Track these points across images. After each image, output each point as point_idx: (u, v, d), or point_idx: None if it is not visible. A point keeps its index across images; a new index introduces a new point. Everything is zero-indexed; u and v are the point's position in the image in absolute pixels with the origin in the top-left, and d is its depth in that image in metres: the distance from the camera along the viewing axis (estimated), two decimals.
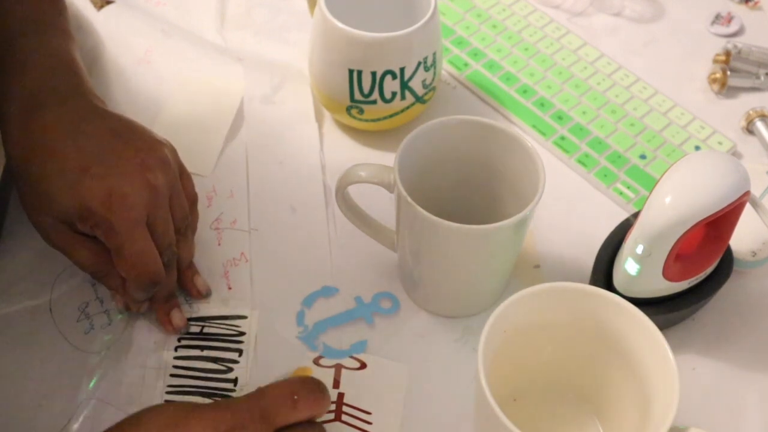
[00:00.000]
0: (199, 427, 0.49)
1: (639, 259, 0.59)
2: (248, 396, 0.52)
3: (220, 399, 0.58)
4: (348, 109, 0.72)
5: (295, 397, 0.52)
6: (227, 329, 0.62)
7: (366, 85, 0.69)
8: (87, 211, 0.56)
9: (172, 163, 0.60)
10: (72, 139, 0.58)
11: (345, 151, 0.74)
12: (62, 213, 0.57)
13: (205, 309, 0.64)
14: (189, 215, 0.62)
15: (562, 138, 0.76)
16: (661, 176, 0.59)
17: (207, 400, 0.58)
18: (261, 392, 0.52)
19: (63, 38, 0.64)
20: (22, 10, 0.64)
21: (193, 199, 0.63)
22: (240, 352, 0.61)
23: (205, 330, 0.62)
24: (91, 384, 0.59)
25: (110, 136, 0.58)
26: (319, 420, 0.55)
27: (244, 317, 0.63)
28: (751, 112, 0.78)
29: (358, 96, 0.70)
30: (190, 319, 0.63)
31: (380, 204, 0.65)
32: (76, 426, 0.57)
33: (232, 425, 0.50)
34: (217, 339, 0.62)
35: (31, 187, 0.58)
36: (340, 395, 0.60)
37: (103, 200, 0.56)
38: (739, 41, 0.83)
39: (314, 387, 0.53)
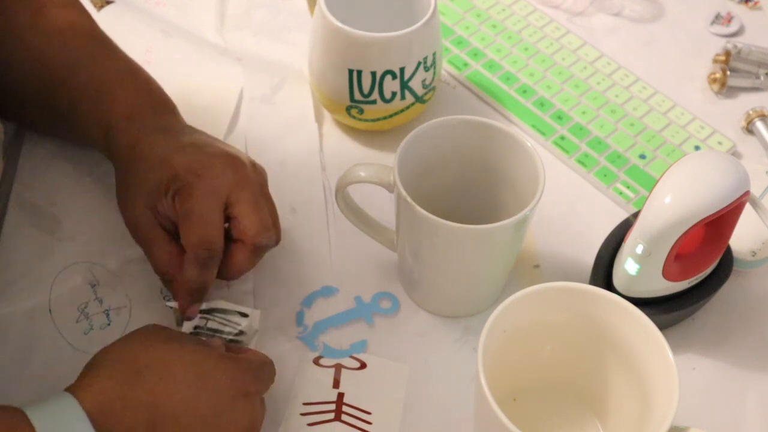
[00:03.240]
0: (224, 378, 0.53)
1: (639, 259, 0.59)
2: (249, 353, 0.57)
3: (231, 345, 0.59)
4: (348, 109, 0.72)
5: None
6: (227, 327, 0.62)
7: (366, 85, 0.69)
8: (173, 178, 0.59)
9: (261, 174, 0.63)
10: (178, 134, 0.63)
11: (345, 151, 0.74)
12: (153, 188, 0.60)
13: (205, 305, 0.63)
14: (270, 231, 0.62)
15: (562, 138, 0.76)
16: (661, 176, 0.59)
17: None
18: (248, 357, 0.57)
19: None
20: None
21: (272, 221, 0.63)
22: None
23: (208, 325, 0.62)
24: None
25: (210, 138, 0.64)
26: (318, 420, 0.56)
27: (245, 315, 0.63)
28: (750, 112, 0.78)
29: (358, 96, 0.70)
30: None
31: (380, 204, 0.65)
32: None
33: (248, 381, 0.54)
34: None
35: (135, 174, 0.61)
36: (340, 395, 0.60)
37: (189, 167, 0.59)
38: (739, 41, 0.83)
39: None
